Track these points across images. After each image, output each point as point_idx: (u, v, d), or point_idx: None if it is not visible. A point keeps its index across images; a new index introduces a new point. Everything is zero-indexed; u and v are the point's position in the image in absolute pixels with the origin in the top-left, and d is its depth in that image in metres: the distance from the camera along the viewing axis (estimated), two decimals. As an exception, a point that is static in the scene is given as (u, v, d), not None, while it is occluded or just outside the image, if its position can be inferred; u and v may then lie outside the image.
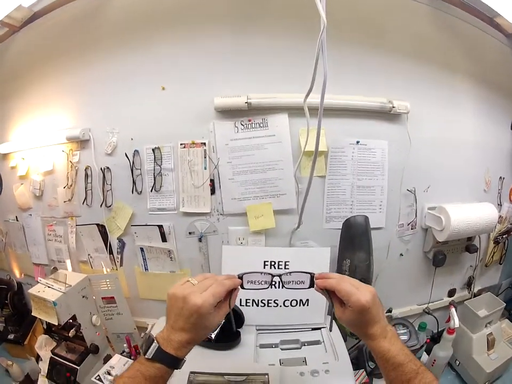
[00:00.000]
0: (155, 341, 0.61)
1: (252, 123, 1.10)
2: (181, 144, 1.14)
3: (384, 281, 1.26)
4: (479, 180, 1.38)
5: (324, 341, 1.08)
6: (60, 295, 1.14)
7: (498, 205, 1.44)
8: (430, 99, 1.21)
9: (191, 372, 0.90)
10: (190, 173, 1.15)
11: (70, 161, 1.25)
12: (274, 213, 1.14)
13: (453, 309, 1.33)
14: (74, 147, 1.24)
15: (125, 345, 1.26)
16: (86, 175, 1.24)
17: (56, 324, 1.16)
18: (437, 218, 1.24)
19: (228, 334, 1.04)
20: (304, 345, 1.07)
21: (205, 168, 1.14)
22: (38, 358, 1.38)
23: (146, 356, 0.60)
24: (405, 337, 1.24)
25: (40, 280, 1.21)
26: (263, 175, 1.12)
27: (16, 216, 1.50)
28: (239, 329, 1.07)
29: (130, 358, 1.20)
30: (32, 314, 1.20)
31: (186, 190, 1.16)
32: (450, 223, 1.17)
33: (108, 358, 1.25)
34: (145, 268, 1.29)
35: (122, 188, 1.21)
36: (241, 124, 1.11)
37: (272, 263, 1.06)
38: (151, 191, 1.18)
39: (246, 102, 1.05)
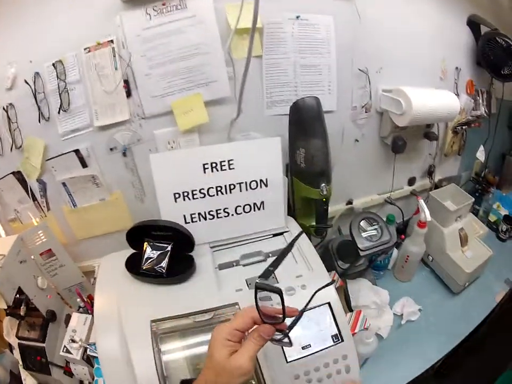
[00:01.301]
0: None
1: (166, 7, 0.79)
2: (85, 49, 0.82)
3: (341, 170, 1.03)
4: (435, 67, 1.15)
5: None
6: (-4, 272, 0.83)
7: (456, 95, 1.21)
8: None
9: (152, 321, 0.64)
10: (99, 79, 0.82)
11: (-30, 115, 0.92)
12: (206, 105, 0.85)
13: (421, 200, 1.10)
14: (-27, 98, 0.91)
15: (78, 299, 0.99)
16: (-11, 121, 0.92)
17: (6, 307, 0.88)
18: (395, 102, 0.99)
19: (178, 262, 0.78)
20: (269, 256, 0.81)
21: (116, 69, 0.82)
22: (11, 348, 1.08)
23: None
24: (375, 233, 1.02)
25: (-26, 263, 0.89)
26: (186, 63, 0.81)
27: None
28: (190, 253, 0.79)
29: (88, 313, 0.94)
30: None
31: (98, 100, 0.84)
32: (412, 107, 0.94)
33: (68, 318, 0.98)
34: (73, 204, 0.99)
35: (29, 121, 0.90)
36: (154, 10, 0.78)
37: (214, 165, 0.77)
38: (59, 112, 0.86)
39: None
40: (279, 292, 0.43)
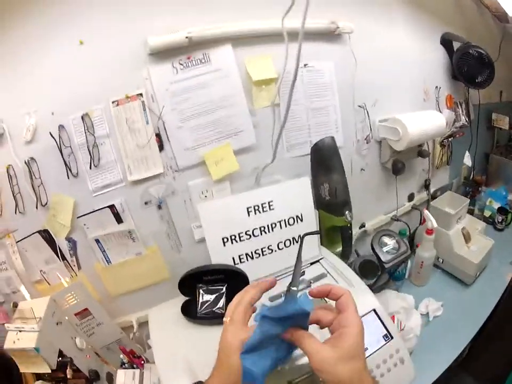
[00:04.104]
0: None
1: (191, 60, 0.86)
2: (113, 102, 0.85)
3: (353, 198, 1.12)
4: (419, 91, 1.34)
5: (328, 272, 0.92)
6: (36, 335, 0.83)
7: (439, 111, 1.40)
8: (369, 19, 1.11)
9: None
10: (129, 133, 0.87)
11: (-12, 169, 0.88)
12: (235, 154, 0.94)
13: (426, 211, 1.27)
14: (-12, 151, 0.87)
15: (121, 356, 0.98)
16: (10, 177, 0.87)
17: (50, 371, 0.86)
18: (392, 130, 1.14)
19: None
20: (311, 282, 0.89)
21: (147, 123, 0.87)
22: None
23: None
24: (393, 246, 1.15)
25: (8, 327, 0.86)
26: (215, 115, 0.90)
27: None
28: None
29: (133, 367, 0.95)
30: (21, 371, 0.89)
31: (131, 154, 0.88)
32: (408, 132, 1.09)
33: (109, 376, 0.98)
34: (107, 261, 0.99)
35: (54, 176, 0.88)
36: (180, 64, 0.86)
37: (256, 208, 0.86)
38: (90, 168, 0.88)
39: (186, 37, 0.81)
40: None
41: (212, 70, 0.88)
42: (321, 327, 0.48)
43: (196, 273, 0.83)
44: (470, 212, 1.56)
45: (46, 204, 0.91)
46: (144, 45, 0.82)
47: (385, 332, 0.79)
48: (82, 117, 0.85)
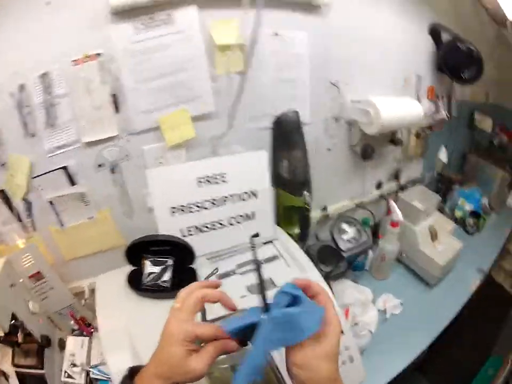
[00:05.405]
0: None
1: (154, 21, 0.81)
2: (72, 61, 0.80)
3: (315, 179, 1.07)
4: (398, 76, 1.25)
5: (281, 254, 0.87)
6: (-12, 298, 0.78)
7: (417, 100, 1.31)
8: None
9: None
10: (86, 93, 0.82)
11: None
12: (193, 120, 0.88)
13: (393, 202, 1.21)
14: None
15: (71, 322, 0.97)
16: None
17: (3, 334, 0.83)
18: (364, 112, 1.07)
19: (180, 275, 0.80)
20: (262, 263, 0.87)
21: (104, 83, 0.82)
22: (5, 376, 1.03)
23: None
24: (353, 235, 1.11)
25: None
26: (173, 78, 0.84)
27: None
28: (191, 266, 0.82)
29: (83, 335, 0.94)
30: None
31: (86, 115, 0.84)
32: (380, 116, 1.01)
33: (62, 343, 0.96)
34: (61, 224, 0.96)
35: (12, 136, 0.85)
36: (142, 24, 0.80)
37: (208, 179, 0.81)
38: (46, 127, 0.84)
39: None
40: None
41: (174, 32, 0.83)
42: None
43: (142, 243, 0.79)
44: (441, 210, 1.50)
45: (5, 164, 0.87)
46: (107, 4, 0.77)
47: None
48: (41, 76, 0.81)
